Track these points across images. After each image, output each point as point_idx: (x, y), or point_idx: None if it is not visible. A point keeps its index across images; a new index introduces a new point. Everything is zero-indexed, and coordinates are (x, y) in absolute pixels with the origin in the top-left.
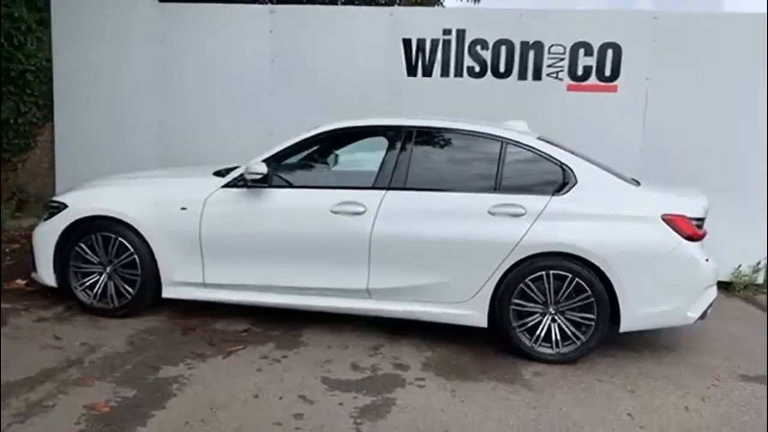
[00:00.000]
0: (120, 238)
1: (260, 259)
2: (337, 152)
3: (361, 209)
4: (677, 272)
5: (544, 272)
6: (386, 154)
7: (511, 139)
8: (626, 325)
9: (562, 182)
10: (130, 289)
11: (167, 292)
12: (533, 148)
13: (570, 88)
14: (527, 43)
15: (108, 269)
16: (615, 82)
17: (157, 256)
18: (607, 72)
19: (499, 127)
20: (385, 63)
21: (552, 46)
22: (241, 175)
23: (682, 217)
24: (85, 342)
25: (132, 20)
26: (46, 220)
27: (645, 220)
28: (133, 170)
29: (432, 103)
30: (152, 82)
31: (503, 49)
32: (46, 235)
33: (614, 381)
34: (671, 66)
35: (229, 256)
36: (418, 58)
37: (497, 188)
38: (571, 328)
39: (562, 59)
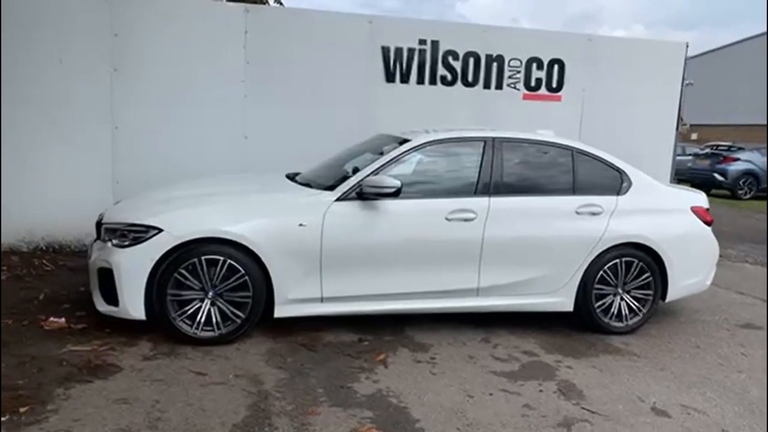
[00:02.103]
0: (229, 260)
1: (378, 268)
2: (427, 163)
3: (472, 215)
4: (703, 251)
5: (617, 260)
6: (482, 163)
7: (578, 148)
8: (671, 296)
9: (620, 184)
10: (239, 313)
11: (280, 311)
12: (596, 156)
13: (525, 97)
14: (491, 56)
15: (210, 294)
16: (560, 93)
17: (272, 276)
18: (554, 84)
19: (561, 138)
20: (364, 69)
21: (511, 59)
22: (358, 186)
23: (703, 208)
24: (241, 374)
25: (76, 10)
26: (126, 246)
27: (681, 211)
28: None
29: (410, 108)
30: (101, 80)
31: (471, 60)
32: (137, 263)
33: (679, 340)
34: (602, 80)
35: (348, 269)
36: (396, 66)
37: (574, 191)
38: (636, 303)
39: (519, 71)
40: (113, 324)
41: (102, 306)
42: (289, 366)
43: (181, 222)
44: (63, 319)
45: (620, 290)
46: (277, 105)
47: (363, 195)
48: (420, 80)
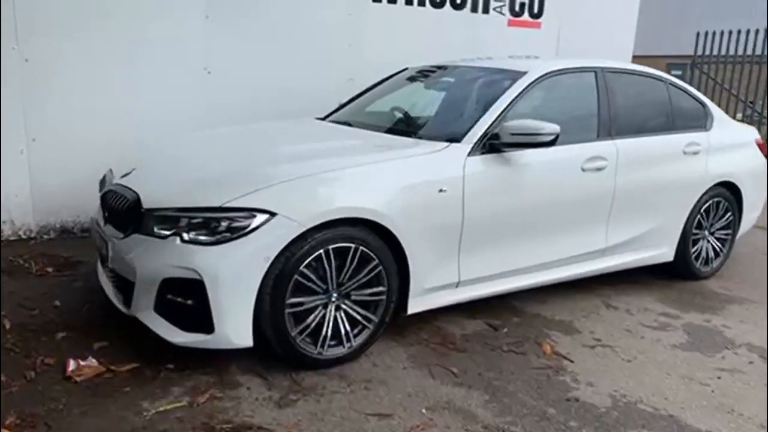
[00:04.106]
0: (362, 248)
1: (517, 238)
2: (543, 101)
3: (603, 163)
4: (764, 184)
5: (710, 201)
6: (599, 99)
7: (669, 80)
8: (740, 233)
9: (705, 118)
10: (371, 315)
11: (415, 306)
12: (684, 87)
13: (510, 23)
14: None
15: (334, 297)
16: (540, 19)
17: (409, 260)
18: (536, 10)
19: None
20: None
21: None
22: (488, 135)
23: (761, 141)
24: (433, 405)
25: None
26: (219, 241)
27: (750, 145)
28: None
29: (397, 31)
30: None
31: None
32: (243, 266)
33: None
34: (575, 6)
35: (487, 242)
36: None
37: (673, 128)
38: (719, 245)
39: None
40: (170, 356)
41: (176, 335)
42: (471, 380)
43: (298, 200)
44: (98, 362)
45: (707, 233)
46: (244, 33)
47: (495, 145)
48: (408, 1)
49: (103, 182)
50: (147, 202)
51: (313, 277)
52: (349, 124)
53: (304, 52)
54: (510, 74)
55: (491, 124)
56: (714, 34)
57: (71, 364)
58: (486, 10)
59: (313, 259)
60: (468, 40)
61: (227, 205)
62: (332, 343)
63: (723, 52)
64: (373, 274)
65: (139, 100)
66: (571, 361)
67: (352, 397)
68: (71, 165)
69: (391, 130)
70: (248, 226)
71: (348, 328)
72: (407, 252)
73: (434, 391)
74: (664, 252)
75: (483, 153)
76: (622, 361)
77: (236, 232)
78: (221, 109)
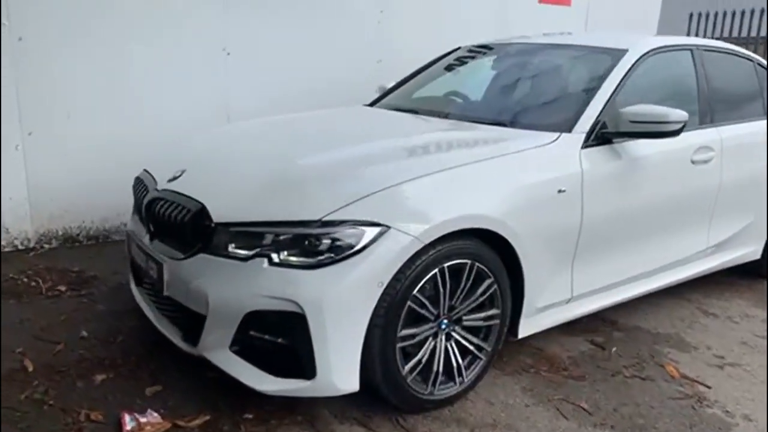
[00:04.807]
0: (477, 264)
1: (628, 242)
2: (643, 83)
3: (711, 154)
4: None
5: None
6: (697, 81)
7: (756, 59)
8: None
9: None
10: (482, 344)
11: (525, 329)
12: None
13: (541, 0)
14: None
15: (444, 324)
16: None
17: (525, 275)
18: None
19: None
20: None
21: None
22: (599, 123)
23: None
24: None
25: None
26: (322, 264)
27: None
28: None
29: (421, 5)
30: None
31: None
32: (352, 294)
33: None
34: None
35: (600, 249)
36: None
37: (763, 113)
38: None
39: None
40: (245, 402)
41: (264, 382)
42: (609, 418)
43: (413, 208)
44: (154, 414)
45: None
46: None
47: (607, 135)
48: None
49: (140, 186)
50: (218, 215)
51: (426, 302)
52: (416, 112)
53: (329, 31)
54: (608, 53)
55: (601, 111)
56: (708, 15)
57: (128, 421)
58: None
59: (427, 281)
60: (496, 16)
61: (329, 218)
62: (444, 379)
63: (718, 34)
64: (487, 294)
65: (153, 86)
66: (708, 387)
67: None
68: (75, 162)
69: (472, 119)
70: (356, 244)
71: (460, 360)
72: (524, 265)
73: None
74: (754, 250)
75: (595, 144)
76: (762, 384)
77: (341, 252)
78: (242, 93)
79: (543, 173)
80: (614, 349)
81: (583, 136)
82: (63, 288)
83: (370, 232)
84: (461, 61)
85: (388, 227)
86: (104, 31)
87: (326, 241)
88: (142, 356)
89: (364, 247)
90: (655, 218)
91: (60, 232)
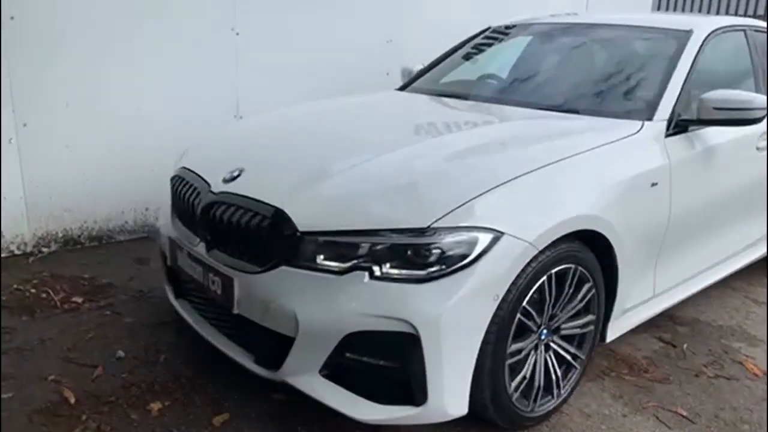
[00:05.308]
0: (580, 268)
1: (706, 232)
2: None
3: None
4: None
5: None
6: (753, 63)
7: None
8: None
9: None
10: (578, 353)
11: (613, 332)
12: None
13: None
14: None
15: (544, 334)
16: None
17: (620, 277)
18: None
19: None
20: None
21: None
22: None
23: None
24: None
25: None
26: (433, 276)
27: None
28: None
29: None
30: None
31: None
32: (467, 310)
33: None
34: None
35: (683, 241)
36: None
37: None
38: None
39: None
40: (321, 424)
41: (366, 410)
42: (712, 424)
43: (524, 211)
44: None
45: None
46: None
47: (684, 123)
48: None
49: (184, 186)
50: (303, 222)
51: (534, 313)
52: (465, 98)
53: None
54: (670, 34)
55: (678, 96)
56: None
57: None
58: None
59: (535, 291)
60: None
61: (439, 224)
62: (543, 393)
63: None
64: (586, 299)
65: (158, 67)
66: None
67: None
68: (75, 155)
69: (538, 106)
70: (469, 253)
71: (559, 371)
72: (620, 266)
73: None
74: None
75: (675, 133)
76: None
77: (453, 263)
78: (251, 74)
79: (636, 166)
80: (685, 345)
81: (665, 124)
82: (79, 299)
83: (484, 239)
84: (497, 42)
85: (502, 233)
86: (106, 10)
87: (436, 251)
88: (194, 378)
89: (479, 257)
90: (726, 208)
91: (60, 234)
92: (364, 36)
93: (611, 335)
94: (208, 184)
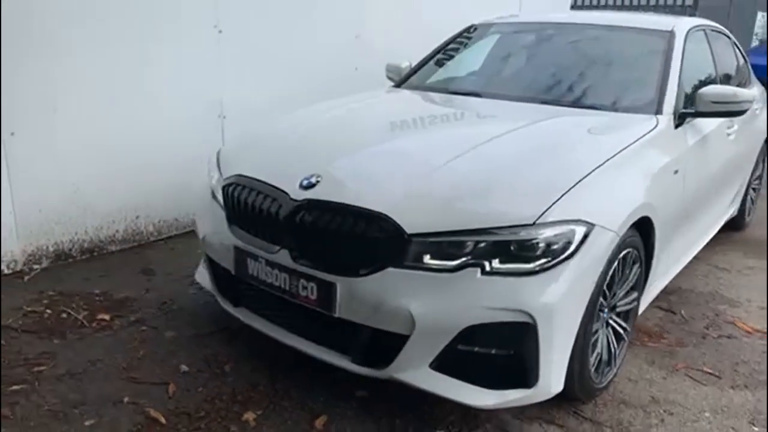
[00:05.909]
0: (636, 251)
1: (699, 212)
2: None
3: (735, 128)
4: None
5: None
6: (714, 60)
7: (732, 36)
8: None
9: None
10: (627, 326)
11: (642, 305)
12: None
13: None
14: None
15: (605, 312)
16: None
17: (655, 257)
18: None
19: None
20: None
21: None
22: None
23: None
24: None
25: None
26: (543, 268)
27: None
28: None
29: None
30: None
31: None
32: (571, 298)
33: None
34: None
35: (687, 221)
36: None
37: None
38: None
39: None
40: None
41: (481, 396)
42: (737, 378)
43: (607, 203)
44: None
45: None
46: None
47: (685, 115)
48: None
49: (250, 194)
50: (410, 225)
51: (608, 293)
52: (478, 95)
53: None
54: (655, 33)
55: (677, 91)
56: None
57: None
58: None
59: (611, 275)
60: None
61: (543, 219)
62: (606, 366)
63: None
64: (635, 278)
65: (143, 70)
66: None
67: (675, 424)
68: (64, 164)
69: (553, 102)
70: (571, 244)
71: (615, 344)
72: (656, 248)
73: (726, 400)
74: (735, 208)
75: (679, 125)
76: None
77: (558, 255)
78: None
79: (664, 157)
80: (682, 311)
81: (672, 116)
82: (106, 316)
83: (580, 231)
84: (490, 40)
85: (593, 225)
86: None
87: (542, 245)
88: (272, 384)
89: (578, 247)
90: (713, 185)
91: (51, 249)
92: (333, 31)
93: (642, 307)
94: (285, 192)
